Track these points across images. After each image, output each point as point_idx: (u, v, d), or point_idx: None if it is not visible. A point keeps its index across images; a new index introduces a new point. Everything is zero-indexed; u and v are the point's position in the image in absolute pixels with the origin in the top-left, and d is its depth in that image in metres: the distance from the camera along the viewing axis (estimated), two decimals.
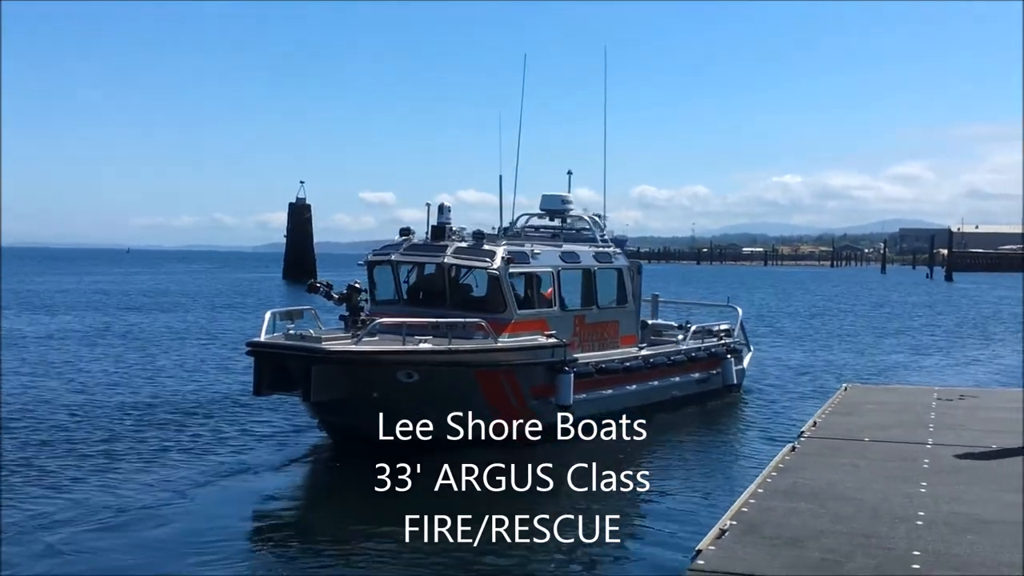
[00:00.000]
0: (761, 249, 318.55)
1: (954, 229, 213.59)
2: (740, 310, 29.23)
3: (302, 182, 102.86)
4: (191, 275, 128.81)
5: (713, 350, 25.68)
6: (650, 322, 26.22)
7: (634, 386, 22.55)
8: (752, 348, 29.58)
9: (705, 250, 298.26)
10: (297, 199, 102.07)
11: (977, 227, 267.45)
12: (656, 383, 23.43)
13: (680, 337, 25.63)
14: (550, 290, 21.41)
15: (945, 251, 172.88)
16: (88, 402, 23.81)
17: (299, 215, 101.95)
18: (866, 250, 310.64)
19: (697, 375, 25.13)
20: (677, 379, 24.30)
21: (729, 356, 25.96)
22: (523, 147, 23.96)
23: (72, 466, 17.28)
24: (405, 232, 21.34)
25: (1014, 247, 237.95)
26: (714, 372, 25.63)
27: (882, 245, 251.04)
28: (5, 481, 16.06)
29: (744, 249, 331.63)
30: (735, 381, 26.14)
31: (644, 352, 23.46)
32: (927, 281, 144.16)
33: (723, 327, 27.29)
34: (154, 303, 65.67)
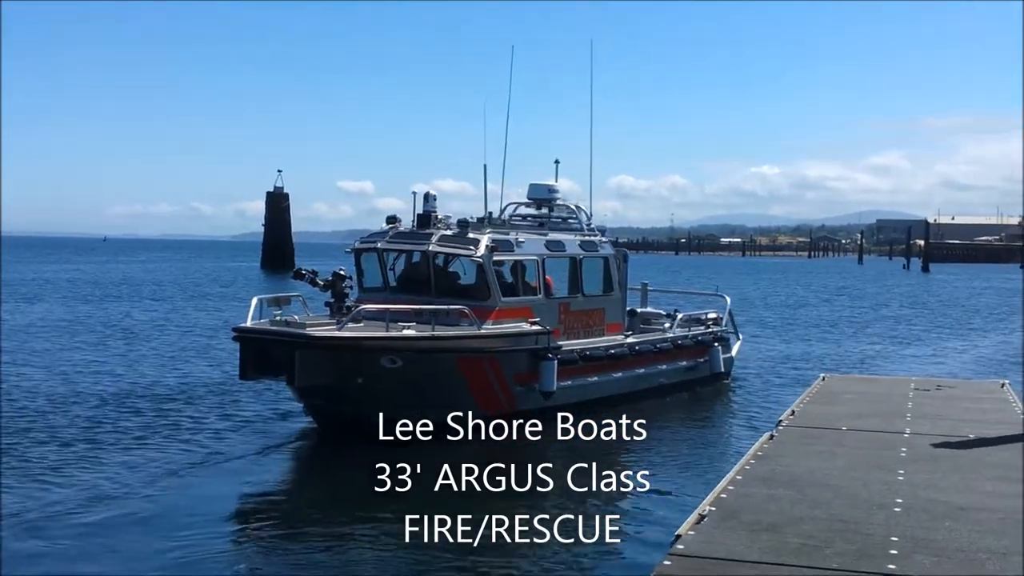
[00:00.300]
0: (739, 240, 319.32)
1: (931, 220, 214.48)
2: (728, 299, 29.42)
3: (280, 171, 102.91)
4: (169, 264, 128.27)
5: (700, 338, 25.85)
6: (639, 310, 26.38)
7: (620, 373, 22.73)
8: (741, 336, 29.81)
9: (683, 241, 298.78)
10: (275, 188, 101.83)
11: (953, 218, 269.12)
12: (642, 370, 23.58)
13: (667, 325, 25.81)
14: (549, 278, 21.70)
15: (921, 242, 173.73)
16: (70, 391, 23.75)
17: (277, 204, 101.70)
18: (843, 241, 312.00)
19: (684, 363, 25.28)
20: (664, 367, 24.46)
21: (717, 344, 26.16)
22: (504, 136, 24.07)
23: (54, 456, 17.24)
24: (392, 220, 21.52)
25: (989, 238, 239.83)
26: (702, 360, 25.79)
27: (859, 236, 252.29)
28: None
29: (722, 240, 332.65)
30: (723, 369, 26.35)
31: (630, 340, 23.63)
32: (904, 272, 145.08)
33: (712, 316, 27.45)
34: (133, 292, 65.38)
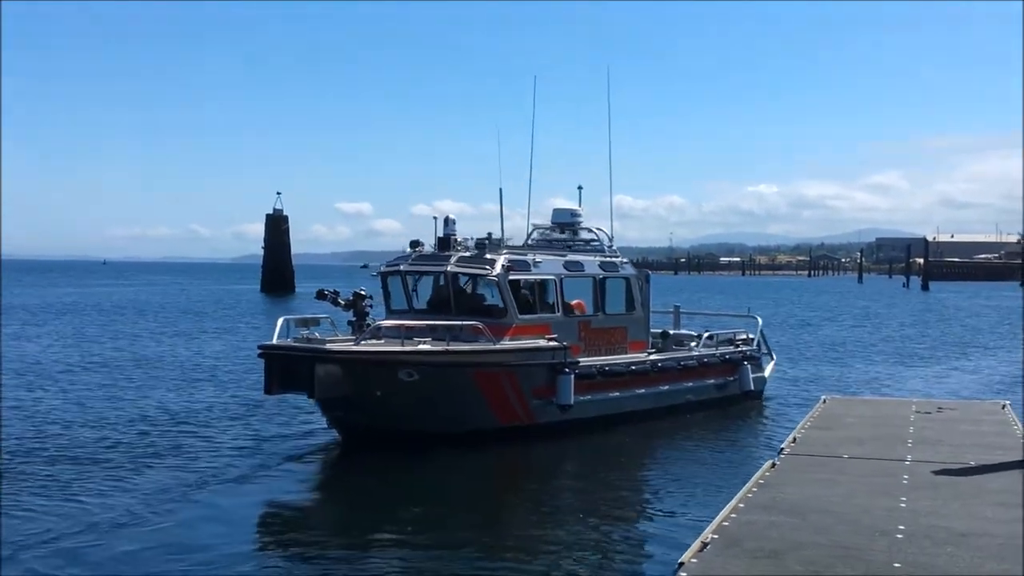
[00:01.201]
0: (739, 259, 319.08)
1: (930, 238, 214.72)
2: (760, 319, 29.63)
3: (279, 193, 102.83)
4: (171, 287, 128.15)
5: (728, 356, 26.13)
6: (671, 332, 26.64)
7: (643, 390, 23.14)
8: (775, 356, 30.09)
9: (683, 260, 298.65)
10: (274, 210, 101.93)
11: (952, 236, 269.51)
12: (667, 387, 23.98)
13: (693, 344, 26.11)
14: (581, 302, 22.48)
15: (921, 260, 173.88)
16: (83, 414, 23.85)
17: (276, 226, 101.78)
18: (843, 259, 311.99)
19: (712, 381, 25.63)
20: (690, 384, 24.81)
21: (746, 363, 26.42)
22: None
23: (71, 476, 17.36)
24: (415, 244, 22.29)
25: (989, 256, 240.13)
26: (731, 378, 26.10)
27: (859, 254, 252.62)
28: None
29: (722, 259, 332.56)
30: (753, 388, 26.60)
31: (653, 357, 23.99)
32: (904, 290, 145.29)
33: (743, 336, 27.83)
34: (139, 315, 65.30)
